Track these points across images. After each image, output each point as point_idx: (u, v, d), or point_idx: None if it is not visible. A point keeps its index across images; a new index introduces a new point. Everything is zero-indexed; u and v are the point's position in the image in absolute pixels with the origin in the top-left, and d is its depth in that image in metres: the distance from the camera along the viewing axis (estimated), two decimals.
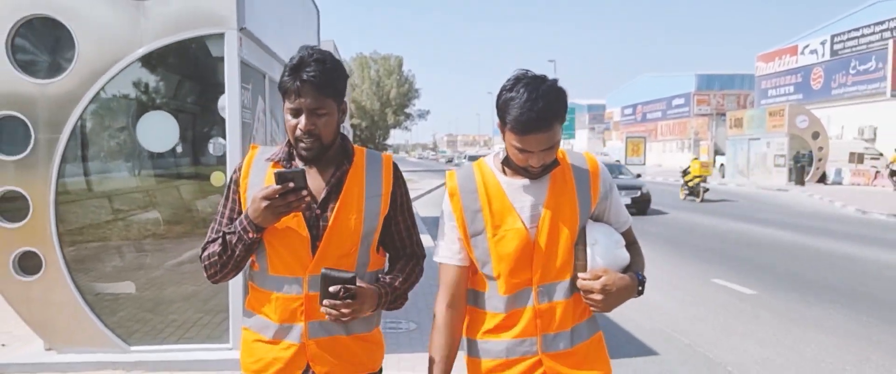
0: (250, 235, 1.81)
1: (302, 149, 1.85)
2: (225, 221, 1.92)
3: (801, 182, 26.58)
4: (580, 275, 1.84)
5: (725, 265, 9.43)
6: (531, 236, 1.85)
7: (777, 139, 28.65)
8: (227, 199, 1.95)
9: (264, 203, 1.75)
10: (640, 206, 16.79)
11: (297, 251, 1.84)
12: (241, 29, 4.44)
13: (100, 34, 4.40)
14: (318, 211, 1.86)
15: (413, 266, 2.00)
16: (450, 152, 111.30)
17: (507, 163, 1.90)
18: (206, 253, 1.90)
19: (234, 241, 1.82)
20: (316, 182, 1.88)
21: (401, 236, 2.00)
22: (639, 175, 20.90)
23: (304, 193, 1.76)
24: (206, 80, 5.17)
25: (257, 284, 1.92)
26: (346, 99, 1.93)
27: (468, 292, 1.95)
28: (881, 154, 30.82)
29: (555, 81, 1.79)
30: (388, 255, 2.04)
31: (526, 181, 1.88)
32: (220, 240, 1.86)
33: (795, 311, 6.94)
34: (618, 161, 28.81)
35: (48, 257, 4.49)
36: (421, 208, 18.74)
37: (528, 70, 1.82)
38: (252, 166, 1.93)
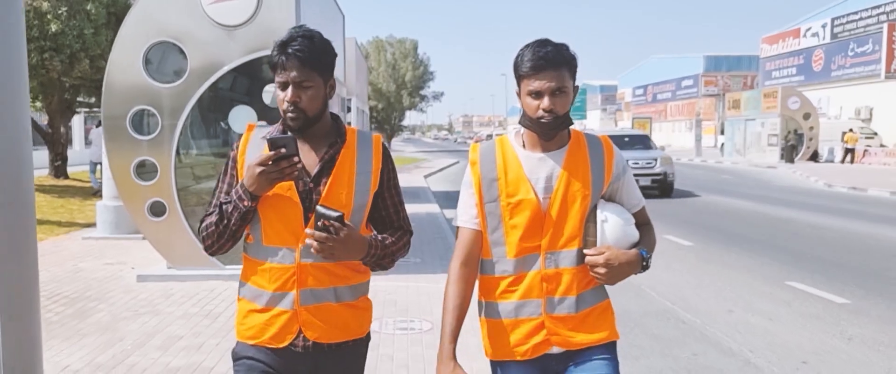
0: (245, 203, 1.89)
1: (289, 120, 1.93)
2: (223, 196, 2.00)
3: (790, 160, 28.28)
4: (586, 251, 1.99)
5: (679, 227, 11.36)
6: (543, 206, 1.99)
7: (771, 120, 30.26)
8: (225, 174, 2.04)
9: (258, 169, 1.83)
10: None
11: (290, 222, 1.94)
12: None
13: (203, 52, 6.48)
14: (312, 185, 1.95)
15: (401, 235, 2.10)
16: (461, 134, 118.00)
17: (524, 123, 2.02)
18: (203, 225, 2.00)
19: (229, 210, 1.92)
20: (309, 158, 1.97)
21: (389, 212, 2.09)
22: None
23: (296, 159, 1.83)
24: (260, 78, 7.22)
25: (251, 254, 2.01)
26: (336, 76, 2.03)
27: (480, 262, 2.08)
28: (875, 133, 32.36)
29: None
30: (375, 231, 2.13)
31: (542, 154, 2.02)
32: (216, 211, 1.96)
33: (718, 255, 8.96)
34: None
35: (170, 205, 6.62)
36: (433, 184, 20.86)
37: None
38: (249, 144, 2.02)
